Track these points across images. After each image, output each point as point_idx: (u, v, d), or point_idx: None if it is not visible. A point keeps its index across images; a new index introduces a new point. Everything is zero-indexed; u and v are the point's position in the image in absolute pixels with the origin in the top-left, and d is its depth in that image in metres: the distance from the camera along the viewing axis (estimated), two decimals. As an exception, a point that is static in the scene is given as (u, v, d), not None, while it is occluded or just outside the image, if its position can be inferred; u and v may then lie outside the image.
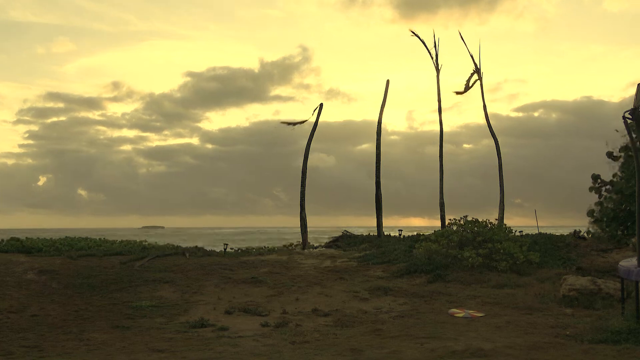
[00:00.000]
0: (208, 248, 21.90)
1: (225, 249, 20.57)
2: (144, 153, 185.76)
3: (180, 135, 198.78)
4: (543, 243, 18.78)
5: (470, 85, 27.24)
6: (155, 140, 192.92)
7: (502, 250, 16.11)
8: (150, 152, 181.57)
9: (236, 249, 22.37)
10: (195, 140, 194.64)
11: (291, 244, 25.59)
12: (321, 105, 25.62)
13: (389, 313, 11.55)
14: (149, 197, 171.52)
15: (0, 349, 8.78)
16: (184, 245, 23.33)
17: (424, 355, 8.01)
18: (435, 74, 27.59)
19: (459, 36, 27.34)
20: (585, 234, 20.58)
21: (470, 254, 15.87)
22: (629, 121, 9.72)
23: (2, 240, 19.84)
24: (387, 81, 27.05)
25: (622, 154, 19.65)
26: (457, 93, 27.56)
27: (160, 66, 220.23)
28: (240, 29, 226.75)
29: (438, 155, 27.02)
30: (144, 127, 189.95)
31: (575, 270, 15.06)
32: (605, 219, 19.39)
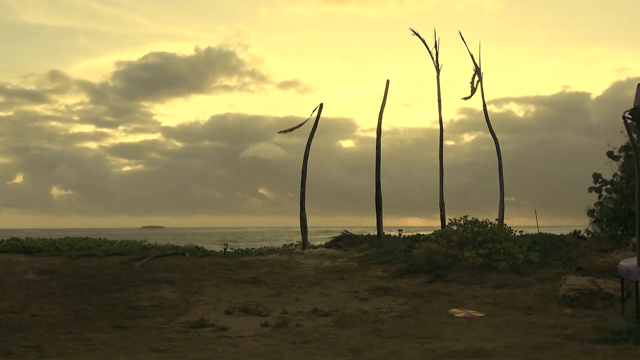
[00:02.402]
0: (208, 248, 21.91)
1: (225, 249, 20.58)
2: (112, 150, 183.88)
3: (140, 131, 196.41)
4: (543, 243, 18.76)
5: (475, 87, 27.17)
6: (118, 137, 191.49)
7: (502, 250, 16.10)
8: (118, 149, 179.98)
9: (236, 249, 22.38)
10: (157, 136, 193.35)
11: (291, 244, 25.60)
12: (321, 105, 25.60)
13: (389, 313, 11.55)
14: (137, 197, 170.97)
15: (0, 349, 8.78)
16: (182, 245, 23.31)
17: (424, 355, 8.01)
18: (436, 74, 27.58)
19: (460, 36, 27.32)
20: (585, 234, 20.57)
21: (470, 254, 15.87)
22: (629, 121, 9.71)
23: (2, 240, 19.85)
24: (387, 81, 27.00)
25: (623, 154, 19.64)
26: (465, 98, 27.50)
27: (92, 53, 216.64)
28: (175, 11, 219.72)
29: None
30: (98, 122, 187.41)
31: (575, 270, 15.04)
32: (605, 219, 19.37)
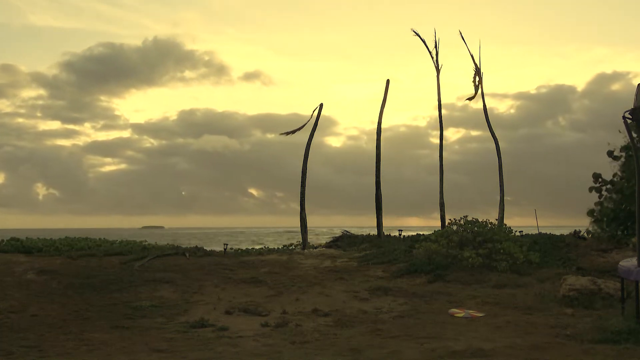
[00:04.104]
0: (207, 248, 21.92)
1: (225, 249, 20.58)
2: (87, 149, 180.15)
3: (109, 128, 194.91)
4: (543, 243, 18.78)
5: (477, 86, 27.18)
6: (90, 134, 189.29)
7: (502, 250, 16.11)
8: (92, 147, 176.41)
9: (236, 249, 22.39)
10: (129, 133, 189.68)
11: (291, 244, 25.61)
12: (321, 105, 25.66)
13: (389, 313, 11.55)
14: (128, 196, 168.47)
15: (0, 349, 8.78)
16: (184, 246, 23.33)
17: (424, 355, 8.01)
18: (436, 74, 27.59)
19: (460, 36, 27.31)
20: (585, 234, 20.57)
21: (470, 254, 15.87)
22: (629, 121, 9.72)
23: (2, 240, 19.86)
24: (387, 81, 27.06)
25: (623, 154, 19.65)
26: (468, 99, 27.55)
27: (39, 44, 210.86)
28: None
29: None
30: (62, 118, 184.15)
31: (575, 270, 15.05)
32: (605, 219, 19.37)
